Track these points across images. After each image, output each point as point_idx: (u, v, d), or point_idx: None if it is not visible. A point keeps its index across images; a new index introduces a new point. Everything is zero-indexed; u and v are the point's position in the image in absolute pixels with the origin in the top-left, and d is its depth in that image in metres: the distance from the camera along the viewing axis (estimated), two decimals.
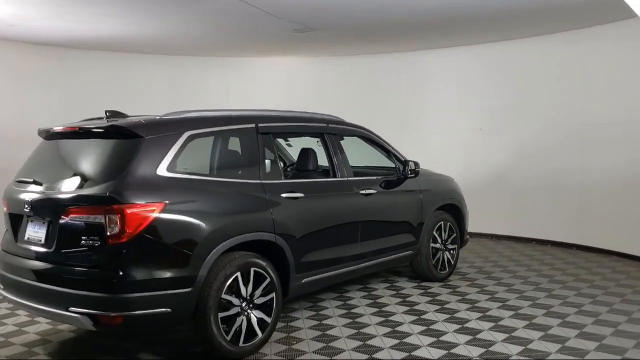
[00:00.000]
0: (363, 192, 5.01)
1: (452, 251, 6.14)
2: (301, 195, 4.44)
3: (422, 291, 5.59)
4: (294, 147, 5.89)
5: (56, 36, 7.30)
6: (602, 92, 7.25)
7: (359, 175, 5.57)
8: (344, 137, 5.58)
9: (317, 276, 4.57)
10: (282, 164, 5.26)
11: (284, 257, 4.26)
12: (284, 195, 4.32)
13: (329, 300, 5.28)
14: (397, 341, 4.24)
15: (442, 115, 8.94)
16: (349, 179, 4.96)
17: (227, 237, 3.85)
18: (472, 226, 8.79)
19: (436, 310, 4.99)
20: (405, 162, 5.52)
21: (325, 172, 5.09)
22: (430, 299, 5.33)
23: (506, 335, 4.33)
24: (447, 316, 4.83)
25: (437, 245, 5.92)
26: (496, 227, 8.61)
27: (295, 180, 4.69)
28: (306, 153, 5.06)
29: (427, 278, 5.92)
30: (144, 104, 7.81)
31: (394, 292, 5.55)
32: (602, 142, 7.29)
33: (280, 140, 5.93)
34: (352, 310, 5.06)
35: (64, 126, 4.05)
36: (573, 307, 4.99)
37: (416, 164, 5.54)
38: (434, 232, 5.85)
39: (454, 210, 6.25)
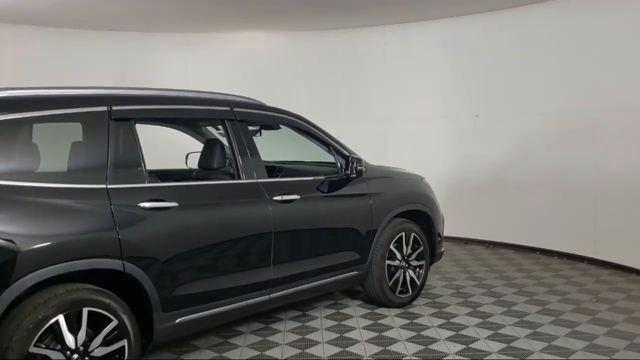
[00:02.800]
0: (278, 198, 3.80)
1: (417, 269, 4.90)
2: (174, 204, 3.27)
3: (370, 322, 4.38)
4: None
5: None
6: (624, 71, 5.82)
7: (291, 176, 4.39)
8: (280, 127, 4.41)
9: (201, 313, 3.40)
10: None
11: (143, 291, 3.13)
12: (144, 204, 3.16)
13: (243, 335, 4.14)
14: None
15: (431, 101, 7.62)
16: (259, 181, 3.77)
17: (32, 268, 2.72)
18: (464, 231, 7.54)
19: (374, 355, 3.78)
20: (348, 160, 4.30)
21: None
22: (374, 335, 4.12)
23: None
24: None
25: (396, 263, 4.69)
26: (494, 233, 7.28)
27: (164, 184, 3.51)
28: (210, 146, 3.92)
29: (383, 303, 4.70)
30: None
31: (334, 323, 4.36)
32: (623, 132, 5.88)
33: (212, 129, 4.81)
34: (269, 338, 3.93)
35: None
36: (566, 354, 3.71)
37: (359, 160, 4.30)
38: (391, 247, 4.61)
39: (422, 218, 5.00)
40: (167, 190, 3.36)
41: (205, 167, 3.91)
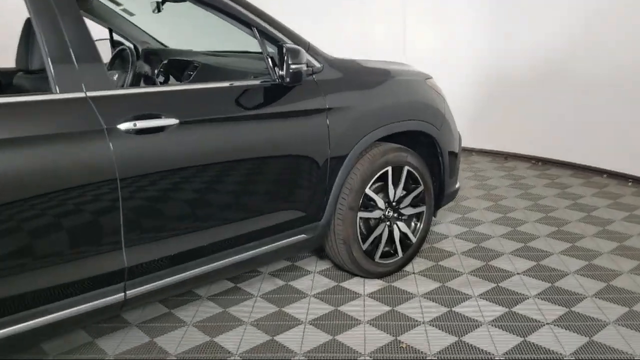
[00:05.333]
0: (127, 126, 2.11)
1: (414, 220, 3.25)
2: None
3: (320, 308, 2.83)
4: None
5: None
6: None
7: (204, 79, 2.73)
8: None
9: None
10: None
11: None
12: None
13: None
14: None
15: None
16: (89, 95, 2.06)
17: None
18: (505, 144, 5.71)
19: None
20: (281, 51, 2.51)
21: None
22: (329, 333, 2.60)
23: None
24: None
25: (376, 214, 3.03)
26: (543, 147, 5.43)
27: None
28: (27, 32, 2.28)
29: (355, 273, 3.12)
30: None
31: (273, 301, 2.85)
32: None
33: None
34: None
35: None
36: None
37: (295, 53, 2.45)
38: (368, 191, 2.94)
39: (423, 142, 3.26)
40: None
41: (22, 68, 2.29)
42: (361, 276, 3.11)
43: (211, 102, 2.40)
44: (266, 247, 2.62)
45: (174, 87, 2.70)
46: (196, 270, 2.41)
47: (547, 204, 4.29)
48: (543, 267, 3.22)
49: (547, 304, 2.81)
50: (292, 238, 2.72)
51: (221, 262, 2.49)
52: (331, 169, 2.73)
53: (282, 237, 2.67)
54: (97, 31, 3.52)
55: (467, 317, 2.72)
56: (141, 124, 2.13)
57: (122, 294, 2.19)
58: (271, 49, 2.61)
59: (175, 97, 2.33)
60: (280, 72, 2.50)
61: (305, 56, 2.53)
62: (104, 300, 2.14)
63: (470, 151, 5.93)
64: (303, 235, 2.76)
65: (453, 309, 2.79)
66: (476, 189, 4.72)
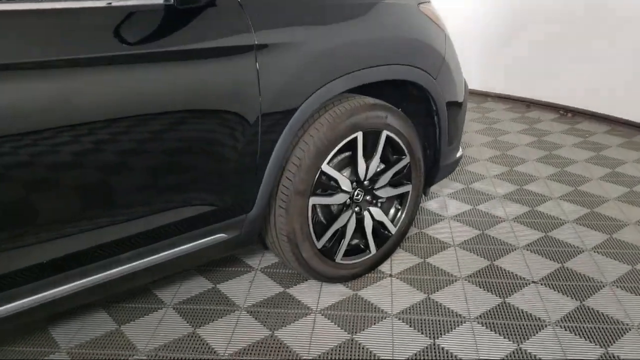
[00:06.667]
0: None
1: (395, 204, 2.37)
2: None
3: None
4: None
5: None
6: None
7: None
8: None
9: None
10: None
11: None
12: None
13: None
14: None
15: None
16: None
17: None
18: (528, 89, 4.67)
19: None
20: None
21: None
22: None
23: None
24: None
25: (338, 199, 2.13)
26: (570, 95, 4.43)
27: None
28: None
29: (312, 276, 2.26)
30: None
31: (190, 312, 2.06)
32: None
33: None
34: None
35: None
36: None
37: None
38: (326, 167, 2.03)
39: (414, 94, 2.32)
40: None
41: None
42: (321, 279, 2.27)
43: (69, 32, 1.46)
44: (155, 256, 1.76)
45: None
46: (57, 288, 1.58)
47: (576, 171, 3.36)
48: (569, 271, 2.34)
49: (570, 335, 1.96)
50: (202, 241, 1.84)
51: (91, 278, 1.65)
52: (264, 136, 1.81)
53: (185, 240, 1.80)
54: None
55: (455, 355, 1.88)
56: None
57: None
58: None
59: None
60: None
61: None
62: None
63: (484, 96, 4.92)
64: (221, 235, 1.88)
65: (438, 341, 1.95)
66: (487, 147, 3.78)
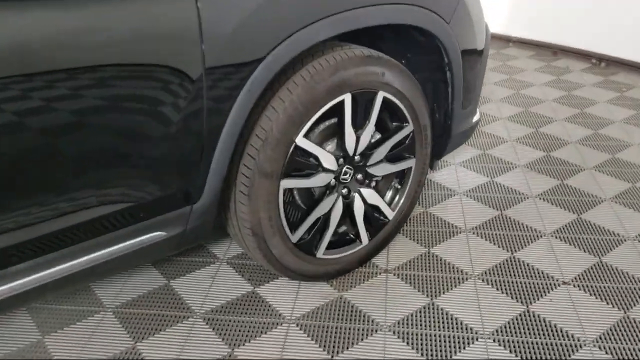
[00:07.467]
0: None
1: (394, 184, 1.89)
2: None
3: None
4: None
5: None
6: None
7: None
8: None
9: None
10: None
11: None
12: None
13: None
14: None
15: None
16: None
17: None
18: (555, 33, 4.04)
19: None
20: None
21: None
22: None
23: None
24: None
25: (320, 180, 1.65)
26: (604, 41, 3.84)
27: None
28: None
29: (286, 275, 1.80)
30: None
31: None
32: None
33: None
34: None
35: None
36: None
37: None
38: (301, 140, 1.53)
39: (421, 42, 1.79)
40: None
41: None
42: (293, 278, 1.82)
43: None
44: (75, 261, 1.30)
45: None
46: None
47: (612, 134, 2.84)
48: (604, 266, 1.88)
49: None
50: (134, 241, 1.38)
51: None
52: (211, 102, 1.31)
53: (104, 244, 1.34)
54: None
55: None
56: None
57: None
58: None
59: None
60: None
61: None
62: None
63: (506, 41, 4.32)
64: (158, 233, 1.42)
65: None
66: (508, 103, 3.25)
